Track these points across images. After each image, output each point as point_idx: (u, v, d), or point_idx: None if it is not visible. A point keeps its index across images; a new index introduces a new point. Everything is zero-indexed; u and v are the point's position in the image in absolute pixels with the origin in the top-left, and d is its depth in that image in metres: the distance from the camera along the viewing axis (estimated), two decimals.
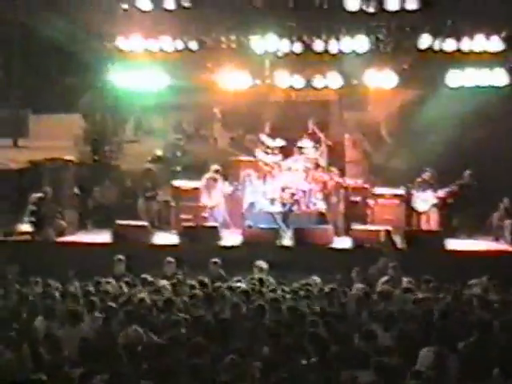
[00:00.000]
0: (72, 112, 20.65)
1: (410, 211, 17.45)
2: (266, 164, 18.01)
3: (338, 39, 17.57)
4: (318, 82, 18.26)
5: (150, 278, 12.68)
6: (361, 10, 17.01)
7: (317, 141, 18.31)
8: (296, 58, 18.06)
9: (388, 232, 15.60)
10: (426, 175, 17.40)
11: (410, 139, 18.34)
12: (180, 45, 17.94)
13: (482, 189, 17.48)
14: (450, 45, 17.33)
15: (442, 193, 17.15)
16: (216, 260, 14.17)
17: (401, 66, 18.11)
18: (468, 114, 17.39)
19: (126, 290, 11.96)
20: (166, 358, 7.79)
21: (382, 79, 17.82)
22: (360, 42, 17.39)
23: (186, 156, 19.50)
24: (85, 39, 17.84)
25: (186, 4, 17.39)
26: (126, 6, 17.57)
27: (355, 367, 7.79)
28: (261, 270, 13.76)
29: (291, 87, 18.55)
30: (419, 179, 17.46)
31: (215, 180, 17.64)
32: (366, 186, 17.87)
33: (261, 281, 12.54)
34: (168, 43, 17.87)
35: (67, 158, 18.13)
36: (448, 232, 16.62)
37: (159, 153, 19.47)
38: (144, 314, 9.86)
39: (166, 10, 17.39)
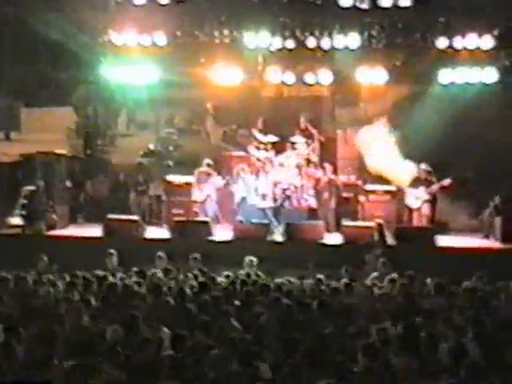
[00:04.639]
0: (64, 106, 20.63)
1: (402, 207, 17.49)
2: (259, 159, 18.03)
3: (330, 35, 17.60)
4: (311, 77, 18.30)
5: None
6: (354, 7, 17.04)
7: (309, 137, 18.35)
8: (289, 54, 18.08)
9: (380, 226, 15.64)
10: (419, 172, 17.41)
11: (402, 135, 18.34)
12: (173, 39, 17.95)
13: (473, 185, 17.59)
14: (442, 42, 17.40)
15: (434, 189, 17.17)
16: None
17: (393, 62, 18.18)
18: (459, 111, 17.45)
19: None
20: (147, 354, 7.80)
21: (374, 75, 17.87)
22: (352, 39, 17.43)
23: (179, 150, 19.49)
24: (77, 33, 17.79)
25: None
26: (118, 0, 17.54)
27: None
28: (251, 264, 13.79)
29: (283, 83, 18.58)
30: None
31: (208, 174, 17.67)
32: (357, 182, 17.91)
33: (248, 275, 12.58)
34: (161, 37, 17.86)
35: (59, 151, 18.09)
36: (439, 228, 16.69)
37: (151, 147, 19.44)
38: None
39: (159, 4, 17.37)
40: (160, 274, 12.55)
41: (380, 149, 17.46)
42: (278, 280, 12.22)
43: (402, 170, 17.37)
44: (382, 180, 17.77)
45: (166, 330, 8.77)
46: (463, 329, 8.96)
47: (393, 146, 17.43)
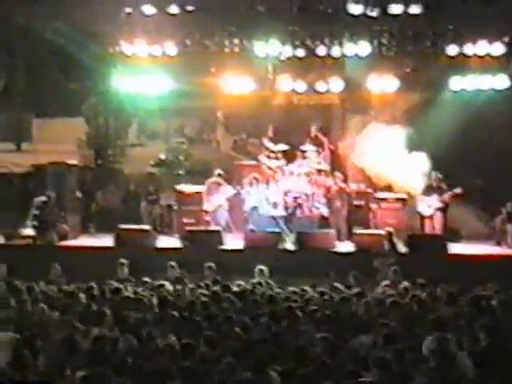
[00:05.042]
0: (75, 116, 20.69)
1: (413, 215, 17.41)
2: (269, 168, 18.02)
3: (340, 43, 17.64)
4: (321, 86, 18.33)
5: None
6: (364, 15, 17.05)
7: (319, 145, 18.33)
8: (299, 62, 18.14)
9: (390, 234, 15.60)
10: (431, 179, 17.33)
11: (413, 143, 18.28)
12: (183, 49, 18.00)
13: (485, 192, 17.55)
14: (452, 49, 17.38)
15: (446, 197, 17.09)
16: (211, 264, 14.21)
17: (403, 69, 18.19)
18: (470, 117, 17.41)
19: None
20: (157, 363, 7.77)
21: (384, 83, 17.87)
22: (363, 46, 17.43)
23: (189, 160, 19.49)
24: (88, 44, 17.89)
25: (190, 8, 17.43)
26: (129, 11, 17.60)
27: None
28: (261, 273, 13.74)
29: (294, 91, 18.62)
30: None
31: (218, 184, 17.68)
32: (368, 190, 17.85)
33: (259, 284, 12.54)
34: (171, 47, 17.93)
35: (70, 162, 18.12)
36: (451, 235, 16.63)
37: (162, 157, 19.46)
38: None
39: (170, 15, 17.43)
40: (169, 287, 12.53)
41: (388, 154, 17.40)
42: (290, 289, 12.19)
43: (411, 178, 17.30)
44: (386, 188, 17.72)
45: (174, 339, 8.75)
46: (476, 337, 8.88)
47: (402, 152, 17.36)
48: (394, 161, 17.33)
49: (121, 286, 12.08)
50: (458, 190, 16.89)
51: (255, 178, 17.60)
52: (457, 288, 11.83)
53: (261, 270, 13.83)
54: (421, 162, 17.15)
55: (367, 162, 17.66)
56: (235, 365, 7.58)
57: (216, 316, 9.77)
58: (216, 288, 11.92)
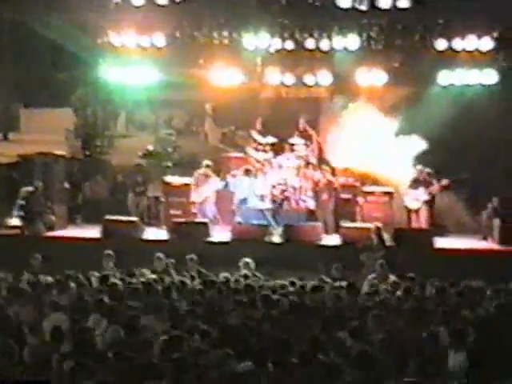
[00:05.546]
0: (63, 106, 20.62)
1: (400, 209, 17.44)
2: (257, 161, 18.02)
3: (329, 37, 17.64)
4: (310, 79, 18.33)
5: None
6: (353, 8, 17.01)
7: (308, 138, 18.33)
8: (288, 55, 18.13)
9: (378, 228, 15.63)
10: (417, 173, 17.37)
11: (400, 136, 18.32)
12: (172, 40, 17.96)
13: (471, 187, 17.61)
14: (441, 43, 17.41)
15: (433, 189, 17.13)
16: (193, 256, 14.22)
17: (392, 63, 18.21)
18: (458, 112, 17.45)
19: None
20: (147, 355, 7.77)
21: (373, 77, 17.89)
22: (351, 40, 17.44)
23: (177, 152, 19.47)
24: (77, 34, 17.81)
25: None
26: (118, 1, 17.53)
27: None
28: (247, 266, 13.75)
29: (283, 84, 18.63)
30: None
31: (207, 176, 17.67)
32: (355, 183, 17.87)
33: (246, 277, 12.57)
34: (160, 38, 17.89)
35: (58, 152, 18.11)
36: (437, 230, 16.68)
37: (150, 148, 19.43)
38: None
39: (159, 6, 17.35)
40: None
41: (374, 139, 17.46)
42: (278, 282, 12.24)
43: (398, 171, 17.35)
44: (374, 182, 17.77)
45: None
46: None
47: (390, 146, 17.41)
48: (379, 147, 17.38)
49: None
50: (444, 182, 16.97)
51: (248, 170, 17.61)
52: (443, 283, 11.90)
53: (246, 263, 13.85)
54: (411, 146, 17.19)
55: (350, 158, 17.73)
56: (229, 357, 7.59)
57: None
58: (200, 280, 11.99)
